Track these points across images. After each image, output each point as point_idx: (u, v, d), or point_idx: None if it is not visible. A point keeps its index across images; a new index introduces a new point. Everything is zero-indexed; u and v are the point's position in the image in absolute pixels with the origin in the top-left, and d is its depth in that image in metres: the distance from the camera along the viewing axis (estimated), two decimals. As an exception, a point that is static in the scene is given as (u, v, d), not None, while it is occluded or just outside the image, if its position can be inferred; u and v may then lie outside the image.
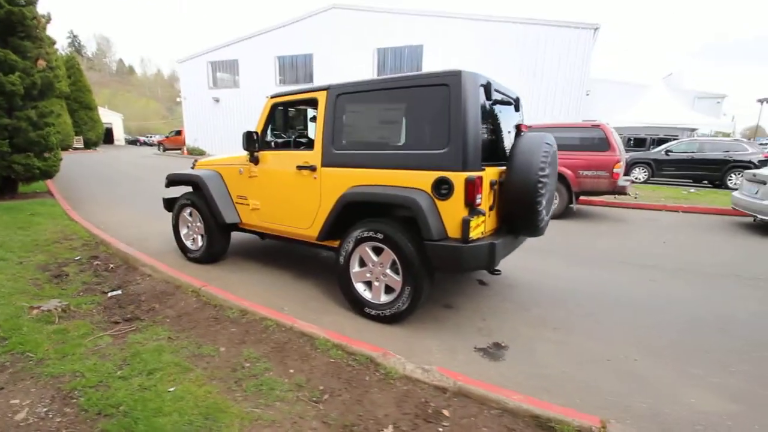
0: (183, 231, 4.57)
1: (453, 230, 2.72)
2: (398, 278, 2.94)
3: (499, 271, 2.89)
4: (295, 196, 3.53)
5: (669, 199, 9.50)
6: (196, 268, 4.21)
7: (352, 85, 3.14)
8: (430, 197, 2.74)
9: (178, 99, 26.81)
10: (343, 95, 3.18)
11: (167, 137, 30.03)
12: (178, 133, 28.60)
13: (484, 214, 2.72)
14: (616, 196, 7.58)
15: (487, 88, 2.83)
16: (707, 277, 4.34)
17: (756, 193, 6.35)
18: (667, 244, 5.69)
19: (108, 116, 38.45)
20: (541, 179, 2.83)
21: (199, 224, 4.37)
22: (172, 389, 2.09)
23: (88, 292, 3.50)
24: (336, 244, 3.42)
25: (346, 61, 20.59)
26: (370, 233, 2.97)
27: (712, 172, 12.56)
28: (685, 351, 2.77)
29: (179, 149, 27.46)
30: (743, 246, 5.70)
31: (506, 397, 2.01)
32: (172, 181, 4.59)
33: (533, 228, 3.00)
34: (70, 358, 2.38)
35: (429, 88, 2.76)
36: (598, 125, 7.00)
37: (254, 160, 3.79)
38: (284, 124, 4.85)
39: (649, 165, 13.54)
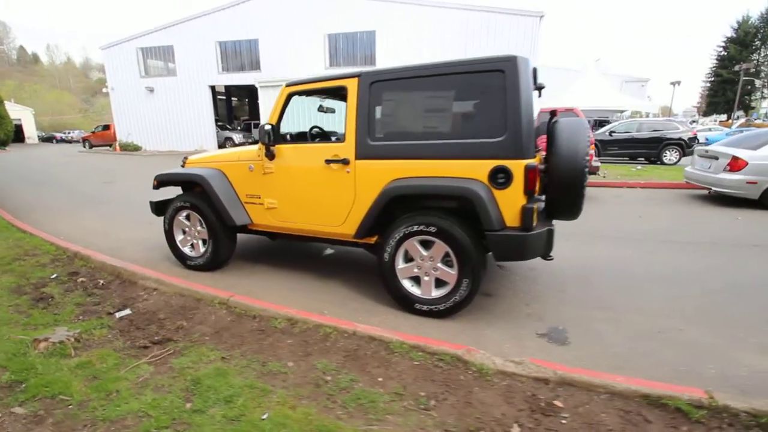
0: (178, 237, 4.11)
1: (511, 219, 2.69)
2: (452, 271, 2.86)
3: (552, 257, 2.93)
4: (323, 192, 3.30)
5: (623, 176, 10.31)
6: (203, 277, 3.82)
7: (388, 72, 2.96)
8: (486, 187, 2.68)
9: (105, 89, 24.12)
10: (379, 83, 2.99)
11: (93, 133, 27.01)
12: (107, 127, 25.85)
13: (541, 201, 2.72)
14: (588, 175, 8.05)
15: (534, 73, 2.81)
16: (695, 246, 4.75)
17: (709, 167, 7.07)
18: (643, 219, 6.16)
19: (16, 111, 33.73)
20: (587, 165, 2.88)
21: (199, 228, 3.96)
22: (264, 416, 1.86)
23: (88, 315, 3.03)
24: (372, 240, 3.27)
25: (295, 48, 19.77)
26: (421, 227, 2.85)
27: (649, 149, 13.80)
28: (716, 317, 3.00)
29: (109, 145, 24.90)
30: (709, 216, 6.34)
31: (612, 381, 2.04)
32: (163, 181, 4.10)
33: (576, 212, 3.06)
34: (118, 397, 2.04)
35: (482, 74, 2.66)
36: (572, 109, 7.36)
37: (270, 156, 3.47)
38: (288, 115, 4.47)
39: (596, 145, 14.57)
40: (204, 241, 4.00)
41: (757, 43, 46.46)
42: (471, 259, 2.76)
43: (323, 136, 4.02)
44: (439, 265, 2.92)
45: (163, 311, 3.06)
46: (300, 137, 3.86)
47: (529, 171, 2.59)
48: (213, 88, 22.31)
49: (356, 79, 3.07)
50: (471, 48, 17.35)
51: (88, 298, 3.34)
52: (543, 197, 3.14)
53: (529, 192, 2.63)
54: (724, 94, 45.97)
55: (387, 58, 18.61)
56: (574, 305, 3.22)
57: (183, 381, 2.15)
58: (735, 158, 6.61)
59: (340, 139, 3.22)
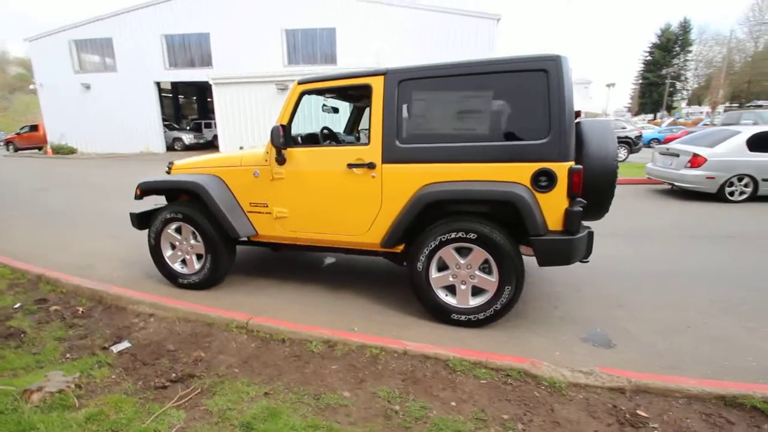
0: (167, 252, 3.66)
1: (554, 223, 2.63)
2: (492, 278, 2.75)
3: (588, 259, 2.91)
4: (344, 199, 3.05)
5: (586, 173, 10.85)
6: (200, 297, 3.42)
7: (419, 70, 2.78)
8: (530, 190, 2.60)
9: (32, 86, 21.59)
10: (408, 81, 2.80)
11: (19, 134, 24.10)
12: (35, 128, 23.18)
13: (584, 204, 2.68)
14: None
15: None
16: (673, 239, 5.03)
17: (671, 164, 7.60)
18: (625, 214, 6.47)
19: None
20: (617, 165, 2.89)
21: (193, 242, 3.54)
22: (346, 463, 1.63)
23: (78, 352, 2.57)
24: (398, 249, 3.08)
25: (251, 43, 18.89)
26: (460, 234, 2.71)
27: (602, 147, 14.72)
28: (730, 308, 3.14)
29: (39, 148, 22.38)
30: (677, 209, 6.79)
31: (686, 384, 2.02)
32: (148, 190, 3.63)
33: (604, 213, 3.07)
34: (157, 455, 1.70)
35: (523, 73, 2.57)
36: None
37: (280, 160, 3.16)
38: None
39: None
40: (199, 257, 3.59)
41: (678, 48, 51.35)
42: (514, 265, 2.67)
43: (333, 137, 3.75)
44: (477, 272, 2.80)
45: (171, 341, 2.67)
46: (311, 139, 3.57)
47: (573, 173, 2.54)
48: (159, 84, 20.76)
49: (382, 77, 2.86)
50: (432, 47, 17.49)
51: (70, 331, 2.85)
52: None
53: (573, 195, 2.58)
54: (651, 95, 50.40)
55: (348, 57, 18.32)
56: (596, 305, 3.24)
57: (230, 428, 1.85)
58: (695, 155, 7.14)
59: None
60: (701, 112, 41.09)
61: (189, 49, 19.93)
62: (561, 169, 2.55)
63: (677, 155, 7.46)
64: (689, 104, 53.29)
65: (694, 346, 2.62)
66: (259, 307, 3.20)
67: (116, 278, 3.84)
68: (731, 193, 7.05)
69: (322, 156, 3.12)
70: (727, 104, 40.93)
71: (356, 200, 3.02)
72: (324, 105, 3.97)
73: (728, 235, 5.20)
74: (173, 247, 3.66)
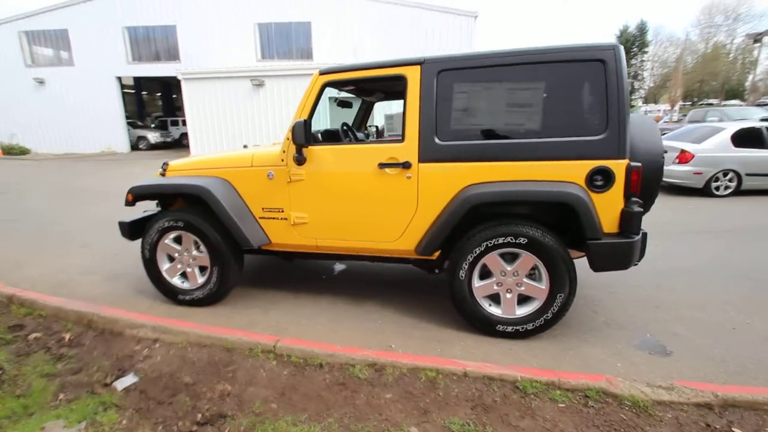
0: (164, 266, 3.23)
1: (609, 225, 2.45)
2: (542, 286, 2.55)
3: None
4: (374, 201, 2.76)
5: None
6: (205, 315, 3.03)
7: (460, 59, 2.53)
8: (585, 191, 2.41)
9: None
10: (448, 72, 2.54)
11: (-41, 133, 21.94)
12: (-21, 126, 21.16)
13: (641, 203, 2.51)
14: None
15: None
16: (676, 235, 5.05)
17: (660, 160, 7.74)
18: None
19: None
20: (664, 162, 2.76)
21: (196, 253, 3.15)
22: None
23: (74, 391, 2.16)
24: (434, 256, 2.82)
25: (221, 36, 18.02)
26: (508, 239, 2.49)
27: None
28: (763, 305, 3.10)
29: (-16, 149, 20.45)
30: (666, 205, 6.89)
31: (777, 398, 1.88)
32: (142, 195, 3.19)
33: (646, 212, 2.93)
34: None
35: (578, 63, 2.37)
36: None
37: (300, 160, 2.83)
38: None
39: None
40: (202, 269, 3.19)
41: (635, 49, 53.81)
42: (567, 271, 2.48)
43: (353, 134, 3.44)
44: (525, 280, 2.59)
45: (186, 372, 2.30)
46: (331, 137, 3.24)
47: (632, 171, 2.37)
48: (120, 80, 19.47)
49: (418, 67, 2.59)
50: (409, 44, 17.27)
51: (59, 364, 2.42)
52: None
53: (631, 194, 2.42)
54: (613, 93, 52.48)
55: (324, 53, 17.84)
56: (634, 307, 3.11)
57: (290, 482, 1.53)
58: (683, 151, 7.30)
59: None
60: (659, 110, 43.24)
61: (154, 42, 18.77)
62: (618, 168, 2.37)
63: (665, 151, 7.60)
64: (646, 102, 56.00)
65: (750, 348, 2.53)
66: (279, 325, 2.86)
67: (101, 295, 3.38)
68: (717, 188, 7.25)
69: (349, 155, 2.81)
70: (681, 103, 43.19)
71: (388, 203, 2.74)
72: (336, 99, 3.65)
73: (727, 229, 5.29)
74: (171, 259, 3.25)
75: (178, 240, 3.18)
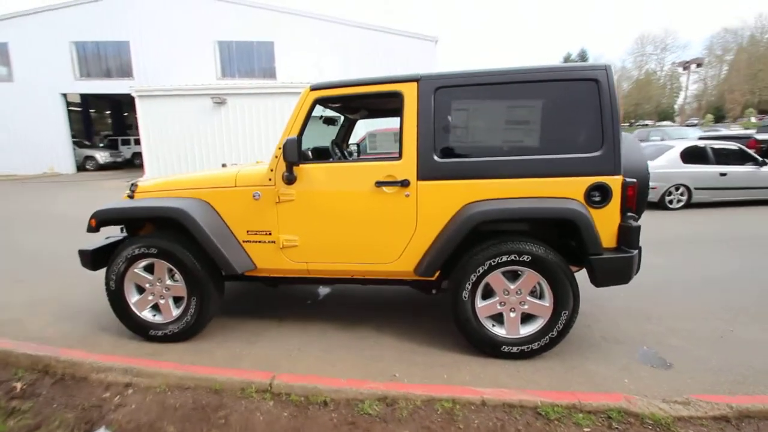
0: (133, 298, 2.90)
1: (607, 240, 2.48)
2: (546, 303, 2.51)
3: None
4: (371, 221, 2.64)
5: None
6: (186, 351, 2.74)
7: (458, 77, 2.51)
8: (585, 207, 2.42)
9: None
10: (446, 89, 2.51)
11: None
12: None
13: (637, 218, 2.56)
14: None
15: None
16: (647, 247, 5.29)
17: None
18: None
19: None
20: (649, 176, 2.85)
21: (170, 282, 2.85)
22: None
23: (30, 453, 1.82)
24: (434, 277, 2.72)
25: (179, 54, 17.49)
26: (512, 256, 2.44)
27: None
28: (740, 313, 3.25)
29: None
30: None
31: (788, 407, 1.91)
32: (108, 220, 2.87)
33: None
34: None
35: (573, 83, 2.41)
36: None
37: (289, 179, 2.66)
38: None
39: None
40: (177, 300, 2.90)
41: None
42: (571, 287, 2.46)
43: (341, 152, 3.32)
44: (529, 298, 2.54)
45: (169, 420, 2.01)
46: (322, 155, 3.10)
47: (628, 187, 2.42)
48: (66, 96, 18.25)
49: (415, 84, 2.54)
50: (373, 66, 17.55)
51: (11, 420, 2.04)
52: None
53: (628, 209, 2.46)
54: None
55: (287, 73, 17.72)
56: (625, 321, 3.16)
57: None
58: (639, 167, 7.77)
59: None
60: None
61: (104, 58, 17.86)
62: (615, 183, 2.42)
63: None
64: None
65: (741, 356, 2.60)
66: (268, 358, 2.63)
67: (55, 336, 2.97)
68: (670, 202, 7.76)
69: (344, 173, 2.68)
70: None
71: (386, 223, 2.63)
72: (321, 116, 3.53)
73: (692, 240, 5.61)
74: (141, 290, 2.92)
75: (149, 268, 2.88)
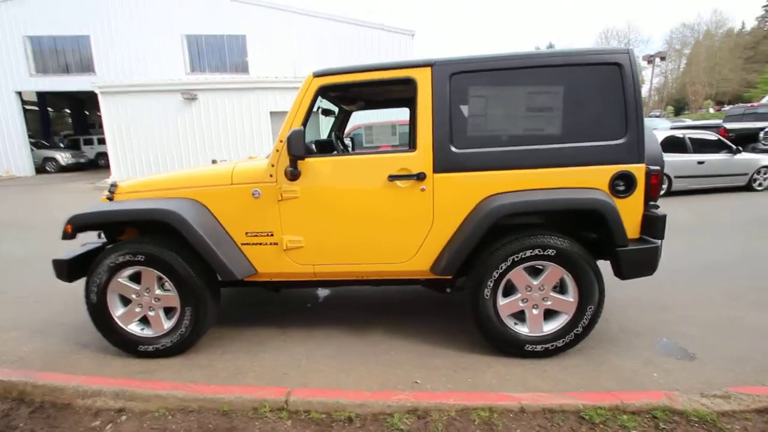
0: (117, 311, 2.61)
1: (631, 231, 2.39)
2: (570, 298, 2.41)
3: None
4: (384, 218, 2.45)
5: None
6: (182, 367, 2.49)
7: (474, 61, 2.34)
8: (610, 197, 2.32)
9: None
10: (462, 75, 2.34)
11: None
12: None
13: (658, 207, 2.49)
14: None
15: None
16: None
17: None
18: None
19: None
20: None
21: (160, 292, 2.58)
22: None
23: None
24: (449, 275, 2.57)
25: (144, 48, 16.63)
26: (536, 251, 2.32)
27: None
28: (753, 299, 3.26)
29: None
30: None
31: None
32: (86, 225, 2.56)
33: None
34: None
35: (595, 67, 2.30)
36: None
37: (293, 175, 2.43)
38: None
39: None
40: (168, 311, 2.63)
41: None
42: (597, 281, 2.36)
43: (344, 145, 3.10)
44: (552, 293, 2.43)
45: (174, 449, 1.77)
46: (326, 148, 2.88)
47: (652, 175, 2.34)
48: (21, 95, 17.02)
49: (428, 69, 2.36)
50: (349, 60, 17.24)
51: (-17, 463, 1.75)
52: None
53: (652, 198, 2.38)
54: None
55: (261, 67, 17.15)
56: (640, 310, 3.12)
57: None
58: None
59: (407, 148, 2.46)
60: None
61: (63, 53, 16.76)
62: (639, 172, 2.33)
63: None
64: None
65: (755, 343, 2.59)
66: (274, 370, 2.41)
67: (30, 356, 2.66)
68: (651, 190, 7.92)
69: (353, 167, 2.48)
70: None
71: (400, 219, 2.45)
72: (320, 108, 3.30)
73: (681, 228, 5.70)
74: (127, 301, 2.63)
75: (135, 277, 2.59)
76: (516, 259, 2.34)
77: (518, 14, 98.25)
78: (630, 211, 2.36)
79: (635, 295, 3.37)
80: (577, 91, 2.34)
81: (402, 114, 5.07)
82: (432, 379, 2.28)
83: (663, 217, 2.34)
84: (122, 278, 2.56)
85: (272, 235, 2.56)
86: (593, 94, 2.33)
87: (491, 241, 2.38)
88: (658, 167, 2.36)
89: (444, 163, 2.37)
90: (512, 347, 2.45)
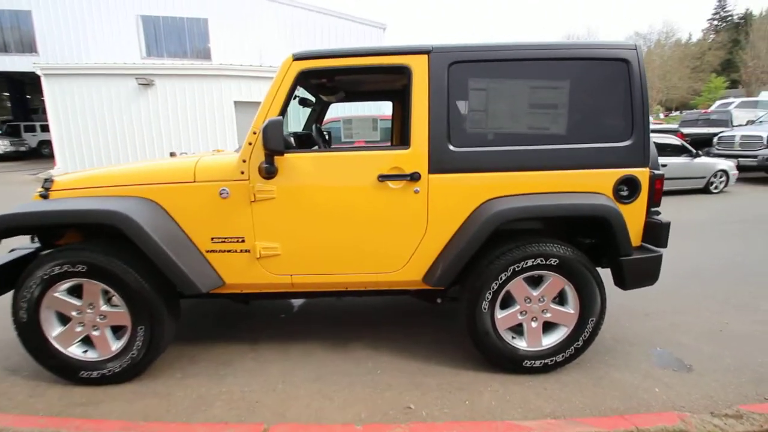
0: (53, 330, 2.19)
1: (633, 239, 2.26)
2: (570, 310, 2.25)
3: None
4: (374, 222, 2.19)
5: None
6: (133, 397, 2.12)
7: (477, 50, 2.11)
8: (614, 202, 2.18)
9: None
10: (462, 64, 2.11)
11: None
12: None
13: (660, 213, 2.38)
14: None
15: None
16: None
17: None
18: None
19: None
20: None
21: (106, 308, 2.18)
22: None
23: None
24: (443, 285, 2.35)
25: (93, 28, 15.31)
26: (538, 260, 2.13)
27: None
28: (726, 303, 3.27)
29: None
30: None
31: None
32: (16, 228, 2.11)
33: None
34: None
35: (600, 62, 2.14)
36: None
37: (269, 172, 2.11)
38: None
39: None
40: (117, 330, 2.24)
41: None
42: (599, 292, 2.21)
43: (323, 139, 2.79)
44: (552, 305, 2.26)
45: None
46: (305, 141, 2.56)
47: (656, 180, 2.22)
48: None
49: (425, 57, 2.11)
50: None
51: None
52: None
53: (655, 204, 2.26)
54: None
55: (224, 54, 16.25)
56: (628, 318, 3.04)
57: None
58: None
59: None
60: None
61: (0, 29, 15.12)
62: (643, 176, 2.20)
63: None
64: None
65: (745, 350, 2.56)
66: (246, 397, 2.10)
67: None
68: (618, 191, 8.11)
69: (339, 164, 2.19)
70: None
71: (391, 225, 2.19)
72: (304, 99, 2.96)
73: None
74: (65, 319, 2.22)
75: (75, 291, 2.18)
76: (517, 269, 2.15)
77: (483, 13, 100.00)
78: (632, 218, 2.23)
79: (621, 301, 3.30)
80: (582, 88, 2.17)
81: (385, 108, 4.77)
82: (427, 403, 2.06)
83: (667, 225, 2.22)
84: (59, 292, 2.15)
85: (243, 241, 2.23)
86: (598, 92, 2.18)
87: (488, 249, 2.18)
88: (662, 172, 2.25)
89: (440, 162, 2.13)
90: (510, 363, 2.27)
